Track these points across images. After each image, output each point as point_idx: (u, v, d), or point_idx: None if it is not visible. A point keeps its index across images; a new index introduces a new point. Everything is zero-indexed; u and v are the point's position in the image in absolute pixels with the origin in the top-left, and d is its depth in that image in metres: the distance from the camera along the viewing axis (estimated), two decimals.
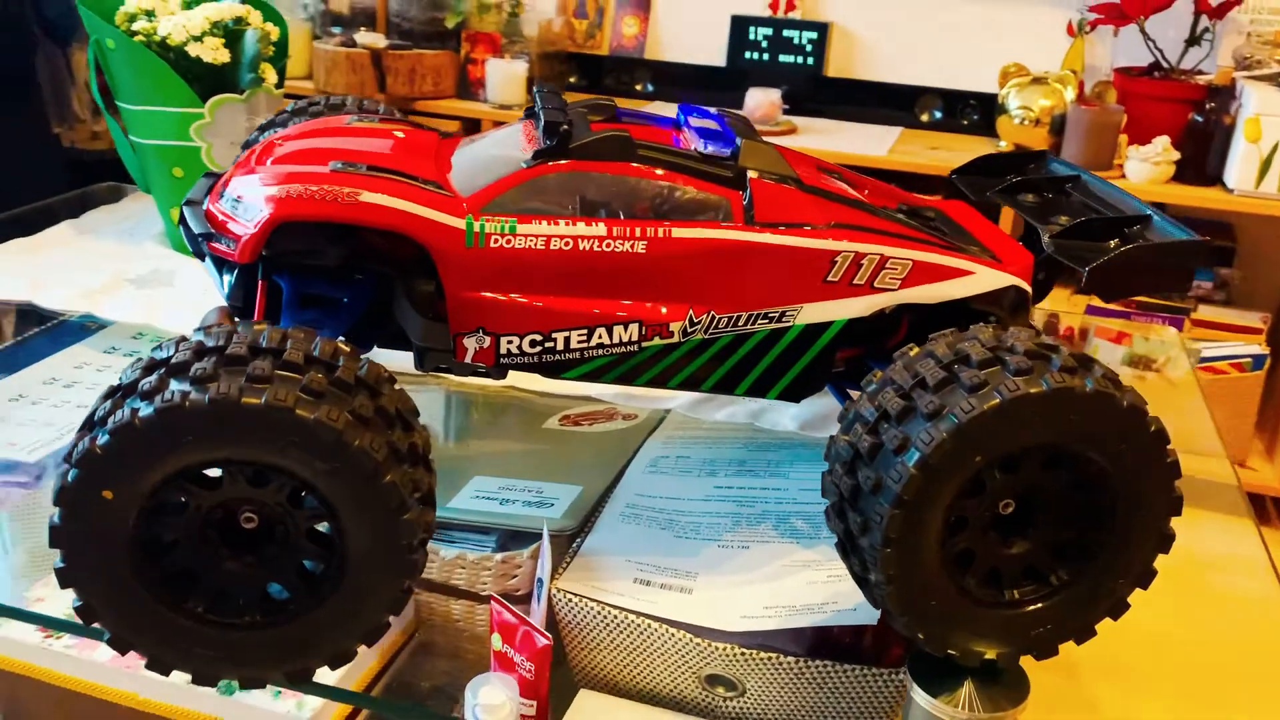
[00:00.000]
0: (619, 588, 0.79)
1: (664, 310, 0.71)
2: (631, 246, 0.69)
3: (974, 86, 2.46)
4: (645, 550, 0.83)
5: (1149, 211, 0.79)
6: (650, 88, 2.65)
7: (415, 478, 0.59)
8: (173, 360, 0.56)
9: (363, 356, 0.60)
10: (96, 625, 0.58)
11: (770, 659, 0.73)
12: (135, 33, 1.23)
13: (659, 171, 0.71)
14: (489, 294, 0.69)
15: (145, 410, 0.53)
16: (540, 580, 0.77)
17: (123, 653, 0.59)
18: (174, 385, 0.54)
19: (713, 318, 0.71)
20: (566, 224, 0.68)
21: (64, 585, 0.57)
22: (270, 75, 1.28)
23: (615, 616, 0.76)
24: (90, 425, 0.55)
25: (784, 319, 0.72)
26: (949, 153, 2.30)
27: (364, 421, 0.56)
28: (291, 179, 0.67)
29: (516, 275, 0.69)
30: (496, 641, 0.76)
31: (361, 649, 0.61)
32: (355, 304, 0.73)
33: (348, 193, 0.66)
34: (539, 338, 0.70)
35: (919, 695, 0.65)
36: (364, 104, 0.93)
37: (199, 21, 1.21)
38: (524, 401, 1.11)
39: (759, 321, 0.72)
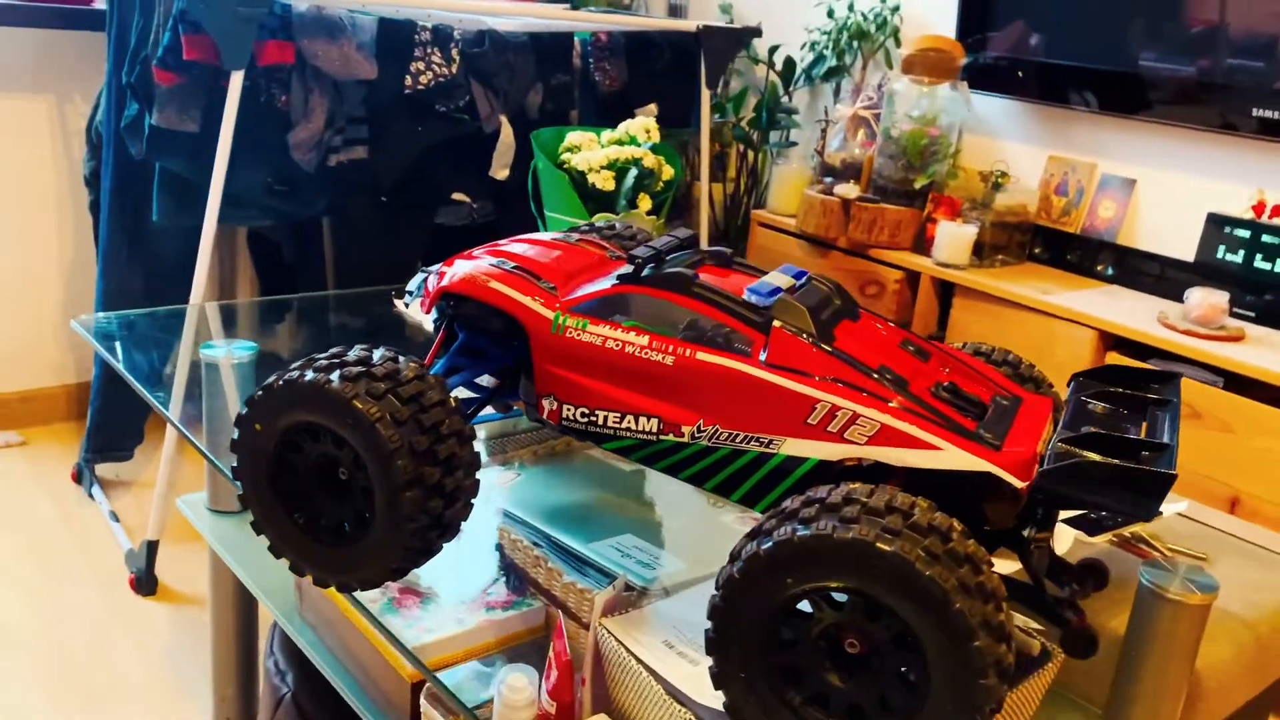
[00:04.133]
0: (646, 641, 0.95)
1: (678, 414, 0.88)
2: (662, 358, 0.88)
3: None
4: (696, 626, 0.99)
5: (1171, 443, 0.77)
6: (1110, 271, 2.59)
7: (427, 474, 0.84)
8: (316, 356, 0.88)
9: (434, 384, 0.87)
10: (248, 511, 0.92)
11: None
12: (563, 163, 1.65)
13: (705, 306, 0.89)
14: (560, 370, 0.92)
15: (280, 381, 0.86)
16: None
17: (258, 534, 0.92)
18: (304, 372, 0.86)
19: (716, 430, 0.87)
20: (621, 331, 0.90)
21: (233, 479, 0.92)
22: (645, 203, 1.62)
23: (625, 660, 0.94)
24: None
25: (770, 445, 0.85)
26: None
27: (397, 421, 0.83)
28: (467, 267, 0.98)
29: (579, 361, 0.91)
30: (554, 648, 0.98)
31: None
32: (498, 359, 1.01)
33: (484, 280, 0.95)
34: (586, 411, 0.92)
35: None
36: (615, 227, 1.21)
37: (599, 158, 1.60)
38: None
39: (751, 443, 0.86)
